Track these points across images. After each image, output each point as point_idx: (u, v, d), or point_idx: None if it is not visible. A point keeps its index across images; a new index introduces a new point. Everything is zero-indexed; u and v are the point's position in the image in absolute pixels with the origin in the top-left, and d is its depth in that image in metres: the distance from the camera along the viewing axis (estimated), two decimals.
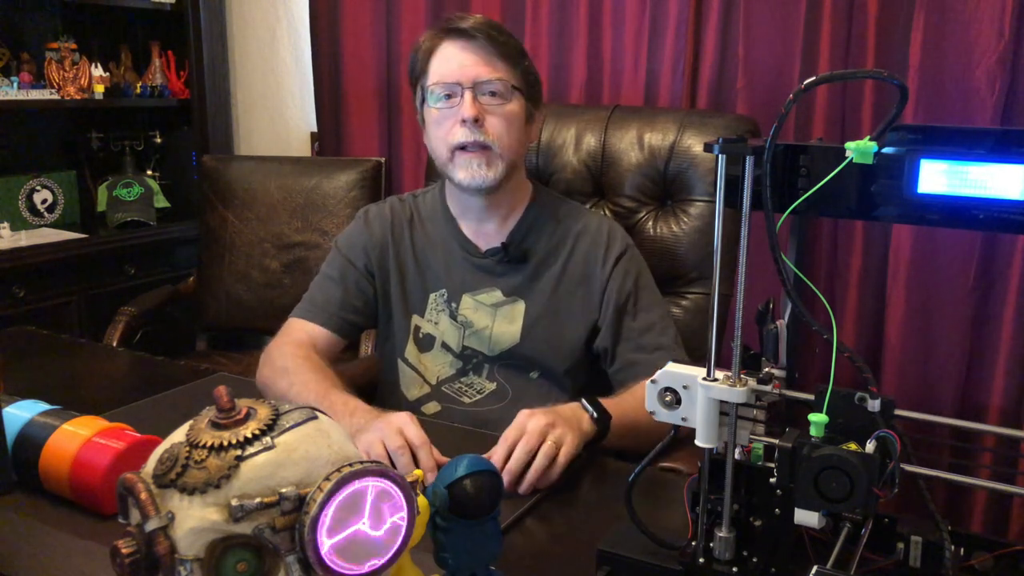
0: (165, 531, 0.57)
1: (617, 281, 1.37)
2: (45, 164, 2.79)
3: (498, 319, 1.39)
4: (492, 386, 1.39)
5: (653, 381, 0.76)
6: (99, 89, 2.67)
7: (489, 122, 1.31)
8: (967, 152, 0.65)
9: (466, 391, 1.40)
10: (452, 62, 1.32)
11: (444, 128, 1.33)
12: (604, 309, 1.37)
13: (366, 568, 0.60)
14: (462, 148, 1.31)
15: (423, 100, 1.37)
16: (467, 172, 1.32)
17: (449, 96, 1.32)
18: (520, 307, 1.39)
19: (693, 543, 0.78)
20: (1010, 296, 1.76)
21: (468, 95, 1.30)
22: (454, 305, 1.40)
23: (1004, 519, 1.86)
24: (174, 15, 2.78)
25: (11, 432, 0.97)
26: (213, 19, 2.78)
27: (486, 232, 1.42)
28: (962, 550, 0.76)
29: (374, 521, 0.60)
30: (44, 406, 1.01)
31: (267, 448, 0.58)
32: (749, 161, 0.70)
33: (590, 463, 1.11)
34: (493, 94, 1.32)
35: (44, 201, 2.72)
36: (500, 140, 1.32)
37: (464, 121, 1.29)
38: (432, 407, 1.40)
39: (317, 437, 0.61)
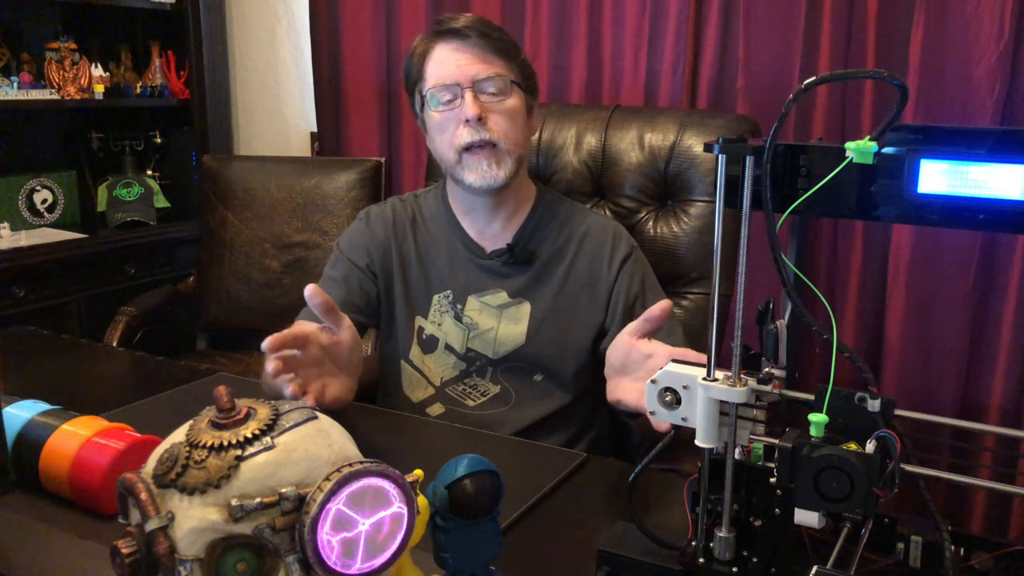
0: (165, 531, 0.57)
1: (624, 283, 1.37)
2: (45, 164, 2.79)
3: (503, 320, 1.38)
4: (496, 389, 1.39)
5: (653, 381, 0.76)
6: (99, 89, 2.67)
7: (492, 119, 1.31)
8: (967, 152, 0.64)
9: (470, 393, 1.39)
10: (448, 63, 1.32)
11: (448, 131, 1.32)
12: (611, 311, 1.37)
13: (366, 568, 0.60)
14: (468, 149, 1.31)
15: (423, 105, 1.37)
16: (477, 174, 1.31)
17: (450, 99, 1.32)
18: (525, 308, 1.39)
19: (693, 543, 0.78)
20: (1010, 296, 1.76)
21: (468, 95, 1.30)
22: (459, 307, 1.40)
23: (1004, 519, 1.86)
24: (174, 15, 2.78)
25: (11, 432, 0.96)
26: (213, 19, 2.78)
27: (491, 233, 1.41)
28: (962, 550, 0.75)
29: (374, 521, 0.60)
30: (44, 406, 1.01)
31: (267, 448, 0.59)
32: (749, 161, 0.70)
33: (590, 463, 1.11)
34: (493, 91, 1.32)
35: (44, 201, 2.72)
36: (506, 136, 1.32)
37: (467, 121, 1.29)
38: (436, 408, 1.40)
39: (317, 437, 0.61)
